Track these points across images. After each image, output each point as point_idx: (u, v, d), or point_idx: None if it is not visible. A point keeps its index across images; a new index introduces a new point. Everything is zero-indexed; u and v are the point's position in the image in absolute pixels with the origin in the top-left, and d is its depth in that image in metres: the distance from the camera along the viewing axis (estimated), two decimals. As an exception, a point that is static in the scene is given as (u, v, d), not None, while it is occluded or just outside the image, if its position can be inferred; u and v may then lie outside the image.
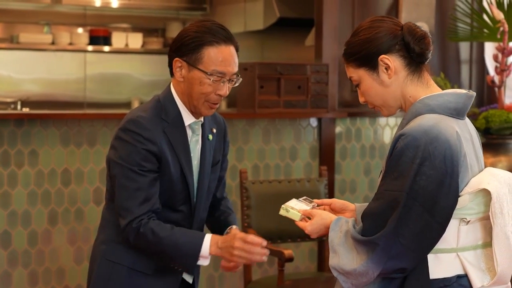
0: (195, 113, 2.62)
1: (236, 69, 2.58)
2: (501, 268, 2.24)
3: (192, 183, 2.64)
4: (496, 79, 5.11)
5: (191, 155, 2.63)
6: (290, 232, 4.25)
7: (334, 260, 2.26)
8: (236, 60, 2.58)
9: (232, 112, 5.31)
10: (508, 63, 5.06)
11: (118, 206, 2.55)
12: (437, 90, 2.30)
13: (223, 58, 2.53)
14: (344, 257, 2.23)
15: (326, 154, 5.23)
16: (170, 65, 2.60)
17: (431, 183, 2.14)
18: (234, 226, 2.76)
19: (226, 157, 2.83)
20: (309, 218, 2.40)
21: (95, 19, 6.95)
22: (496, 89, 5.11)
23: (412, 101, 2.29)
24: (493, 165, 4.90)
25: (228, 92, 2.58)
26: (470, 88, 5.76)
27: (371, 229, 2.19)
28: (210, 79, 2.53)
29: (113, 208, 2.61)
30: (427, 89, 2.30)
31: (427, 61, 2.32)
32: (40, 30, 6.72)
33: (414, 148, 2.16)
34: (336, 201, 2.51)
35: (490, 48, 5.56)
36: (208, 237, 2.54)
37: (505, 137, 5.03)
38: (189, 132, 2.63)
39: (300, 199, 2.49)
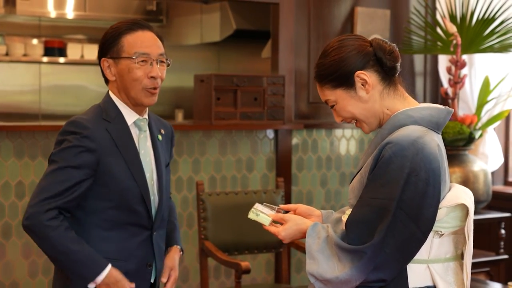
0: (137, 106, 2.63)
1: (161, 50, 2.61)
2: (469, 282, 2.29)
3: (142, 180, 2.60)
4: (450, 91, 5.18)
5: (142, 151, 2.63)
6: (247, 244, 4.25)
7: (312, 267, 2.23)
8: (159, 43, 2.62)
9: (188, 124, 5.30)
10: (461, 75, 5.14)
11: (35, 193, 2.50)
12: (414, 102, 2.34)
13: (142, 40, 2.58)
14: (324, 264, 2.21)
15: (282, 165, 5.25)
16: (103, 73, 2.65)
17: (417, 194, 2.16)
18: (175, 246, 2.80)
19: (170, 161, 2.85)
20: (276, 222, 2.39)
21: (50, 30, 6.87)
22: (450, 101, 5.18)
23: (390, 113, 2.31)
24: (447, 176, 4.96)
25: (160, 74, 2.60)
26: (424, 99, 5.83)
27: (358, 238, 2.19)
28: (136, 63, 2.57)
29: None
30: (405, 101, 2.34)
31: (398, 73, 2.36)
32: (-7, 41, 6.65)
33: (401, 157, 2.17)
34: (301, 206, 2.49)
35: (443, 61, 5.63)
36: (107, 269, 2.52)
37: (459, 149, 5.09)
38: (135, 130, 2.65)
39: (263, 204, 2.46)
